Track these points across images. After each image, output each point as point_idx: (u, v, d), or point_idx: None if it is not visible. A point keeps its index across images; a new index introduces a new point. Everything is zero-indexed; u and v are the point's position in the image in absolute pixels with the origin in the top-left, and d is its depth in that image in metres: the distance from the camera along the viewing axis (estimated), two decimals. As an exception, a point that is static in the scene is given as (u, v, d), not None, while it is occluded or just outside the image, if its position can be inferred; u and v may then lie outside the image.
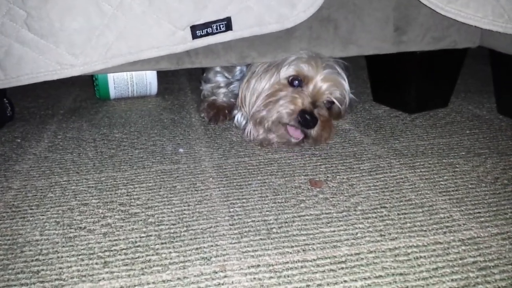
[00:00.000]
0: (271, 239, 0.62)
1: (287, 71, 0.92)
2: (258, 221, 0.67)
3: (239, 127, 1.01)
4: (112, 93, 1.22)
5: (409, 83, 1.08)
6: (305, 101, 0.88)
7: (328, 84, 0.92)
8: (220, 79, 1.11)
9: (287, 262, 0.57)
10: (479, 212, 0.68)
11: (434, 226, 0.65)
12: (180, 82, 1.43)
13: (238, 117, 1.01)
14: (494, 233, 0.63)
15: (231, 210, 0.69)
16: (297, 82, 0.92)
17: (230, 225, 0.65)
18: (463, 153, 0.88)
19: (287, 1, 0.86)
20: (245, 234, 0.63)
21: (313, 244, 0.61)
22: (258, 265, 0.57)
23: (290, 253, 0.59)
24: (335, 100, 0.94)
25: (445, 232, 0.63)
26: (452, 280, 0.54)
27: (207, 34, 0.87)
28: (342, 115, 1.02)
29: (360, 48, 0.98)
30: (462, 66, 1.12)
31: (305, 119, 0.86)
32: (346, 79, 0.94)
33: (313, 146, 0.91)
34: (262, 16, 0.87)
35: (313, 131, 0.88)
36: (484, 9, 0.86)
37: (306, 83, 0.92)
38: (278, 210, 0.69)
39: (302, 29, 0.92)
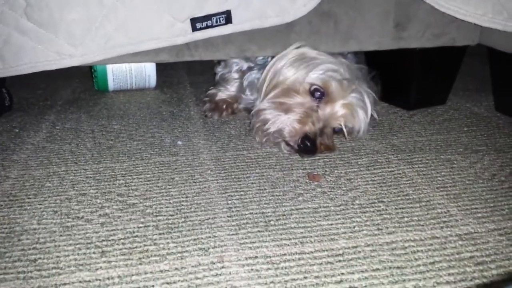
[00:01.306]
0: (269, 231, 0.62)
1: (314, 78, 0.86)
2: (256, 213, 0.67)
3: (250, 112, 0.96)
4: (111, 85, 1.22)
5: (408, 80, 1.08)
6: (315, 126, 0.82)
7: (346, 112, 0.86)
8: (235, 61, 1.07)
9: (285, 254, 0.57)
10: (476, 208, 0.68)
11: (431, 221, 0.65)
12: (179, 75, 1.43)
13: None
14: (491, 229, 0.63)
15: (229, 202, 0.69)
16: (318, 94, 0.86)
17: (228, 216, 0.66)
18: (461, 149, 0.89)
19: (288, -5, 0.86)
20: (243, 226, 0.63)
21: (311, 236, 0.61)
22: (256, 257, 0.57)
23: (288, 245, 0.59)
24: (345, 131, 0.87)
25: (442, 227, 0.64)
26: (449, 274, 0.54)
27: (207, 27, 0.87)
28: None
29: (360, 43, 0.98)
30: (461, 64, 1.13)
31: (305, 145, 0.81)
32: (368, 113, 0.88)
33: None
34: (262, 9, 0.86)
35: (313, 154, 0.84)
36: (484, 6, 0.87)
37: (326, 101, 0.86)
38: (276, 203, 0.69)
39: (302, 23, 0.92)
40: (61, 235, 0.61)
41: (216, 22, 0.87)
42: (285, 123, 0.84)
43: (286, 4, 0.86)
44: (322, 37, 0.95)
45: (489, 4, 0.86)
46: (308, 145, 0.81)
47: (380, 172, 0.80)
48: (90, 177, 0.77)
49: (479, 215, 0.67)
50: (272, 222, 0.64)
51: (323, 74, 0.86)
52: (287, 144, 0.85)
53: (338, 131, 0.89)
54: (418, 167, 0.82)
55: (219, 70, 1.12)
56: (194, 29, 0.87)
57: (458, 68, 1.13)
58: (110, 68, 1.19)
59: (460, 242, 0.60)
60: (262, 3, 0.86)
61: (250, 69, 1.05)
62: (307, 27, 0.94)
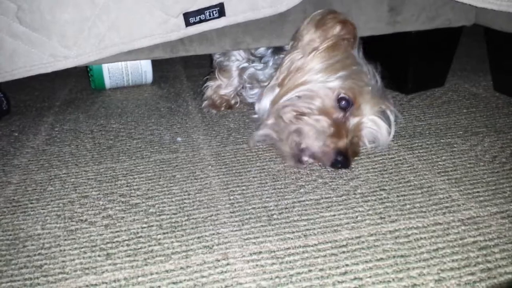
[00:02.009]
0: (272, 225, 0.62)
1: (344, 86, 0.79)
2: (259, 207, 0.67)
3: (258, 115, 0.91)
4: (107, 83, 1.21)
5: (405, 63, 1.08)
6: (346, 140, 0.76)
7: (371, 126, 0.81)
8: (235, 53, 1.02)
9: (289, 248, 0.58)
10: (478, 192, 0.69)
11: (434, 207, 0.65)
12: (175, 69, 1.42)
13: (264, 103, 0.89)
14: (493, 212, 0.63)
15: (231, 197, 0.70)
16: (344, 103, 0.78)
17: (231, 212, 0.66)
18: (461, 132, 0.89)
19: (280, -15, 0.85)
20: (246, 221, 0.64)
21: (314, 229, 0.61)
22: (260, 252, 0.57)
23: (292, 238, 0.60)
24: (366, 143, 0.83)
25: (444, 213, 0.64)
26: (453, 260, 0.54)
27: (201, 21, 0.87)
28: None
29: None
30: (458, 45, 1.12)
31: (339, 162, 0.75)
32: (391, 131, 0.82)
33: None
34: (255, 0, 0.86)
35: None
36: (478, -14, 0.86)
37: (352, 112, 0.79)
38: (278, 196, 0.70)
39: (296, 12, 0.91)
40: (65, 240, 0.61)
41: (210, 15, 0.86)
42: (313, 141, 0.76)
43: (278, -6, 0.86)
44: (317, 25, 0.95)
45: (483, -16, 0.86)
46: (342, 161, 0.75)
47: (380, 159, 0.80)
48: (92, 178, 0.77)
49: (481, 198, 0.67)
50: (275, 216, 0.65)
51: (354, 84, 0.79)
52: (317, 159, 0.77)
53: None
54: (419, 152, 0.82)
55: (217, 57, 1.07)
56: (188, 24, 0.86)
57: (455, 49, 1.13)
58: (106, 66, 1.18)
59: (463, 227, 0.60)
60: (254, -6, 0.85)
61: (250, 61, 1.01)
62: (302, 16, 0.93)
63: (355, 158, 0.80)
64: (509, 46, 1.02)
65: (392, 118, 0.82)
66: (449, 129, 0.90)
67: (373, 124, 0.81)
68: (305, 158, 0.78)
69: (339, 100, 0.79)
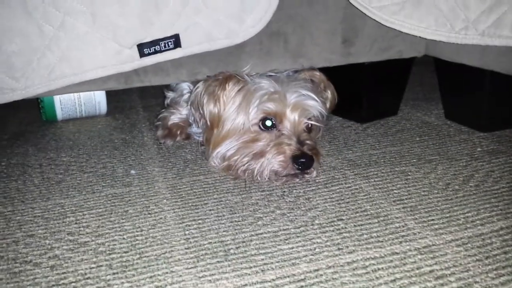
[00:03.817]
0: (229, 261, 0.60)
1: (256, 112, 0.85)
2: (215, 242, 0.65)
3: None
4: (59, 114, 1.17)
5: (359, 93, 1.09)
6: (292, 145, 0.81)
7: (300, 111, 0.85)
8: (184, 86, 1.05)
9: (246, 285, 0.56)
10: (432, 220, 0.69)
11: (390, 236, 0.65)
12: (131, 100, 1.39)
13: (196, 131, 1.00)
14: (448, 240, 0.64)
15: (187, 232, 0.67)
16: (269, 122, 0.85)
17: (185, 249, 0.63)
18: (414, 160, 0.90)
19: (236, 17, 0.85)
20: (201, 257, 0.61)
21: (272, 263, 0.60)
22: (216, 290, 0.55)
23: (249, 274, 0.58)
24: (314, 123, 0.89)
25: (401, 242, 0.64)
26: (410, 291, 0.54)
27: (155, 52, 0.86)
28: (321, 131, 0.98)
29: (310, 61, 0.98)
30: (410, 74, 1.15)
31: (302, 163, 0.80)
32: (315, 97, 0.87)
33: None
34: (211, 32, 0.86)
35: (314, 167, 0.82)
36: (427, 19, 0.89)
37: (280, 121, 0.85)
38: (235, 230, 0.68)
39: (252, 44, 0.92)
40: (8, 283, 0.57)
41: (165, 46, 0.86)
42: (272, 163, 0.81)
43: (234, 26, 0.86)
44: (273, 56, 0.96)
45: (431, 17, 0.89)
46: (304, 161, 0.81)
47: (338, 188, 0.80)
48: (38, 216, 0.73)
49: (436, 226, 0.67)
50: (231, 251, 0.63)
51: (260, 104, 0.85)
52: (292, 175, 0.82)
53: (309, 129, 0.89)
54: (374, 181, 0.82)
55: (170, 95, 1.09)
56: (142, 55, 0.85)
57: (407, 78, 1.16)
58: (57, 97, 1.15)
59: (419, 256, 0.60)
60: (210, 25, 0.85)
61: None
62: (258, 47, 0.94)
63: (316, 154, 0.84)
64: (458, 75, 1.06)
65: (305, 90, 0.87)
66: (403, 157, 0.91)
67: (295, 108, 0.85)
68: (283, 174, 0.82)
69: (263, 125, 0.85)
